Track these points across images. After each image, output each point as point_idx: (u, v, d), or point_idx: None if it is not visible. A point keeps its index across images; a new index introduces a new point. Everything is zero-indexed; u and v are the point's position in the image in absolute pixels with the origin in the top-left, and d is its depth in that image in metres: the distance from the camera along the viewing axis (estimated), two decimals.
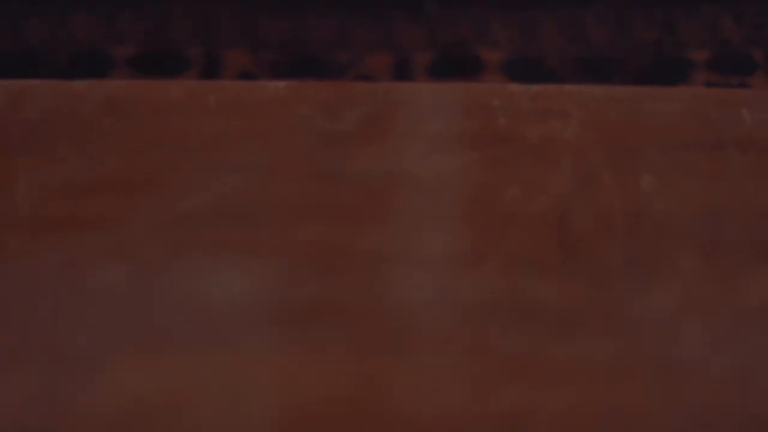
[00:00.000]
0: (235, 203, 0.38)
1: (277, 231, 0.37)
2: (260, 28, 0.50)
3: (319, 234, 0.36)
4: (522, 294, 0.33)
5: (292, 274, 0.34)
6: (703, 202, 0.39)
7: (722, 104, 0.47)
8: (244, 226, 0.37)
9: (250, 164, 0.41)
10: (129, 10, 0.50)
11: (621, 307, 0.33)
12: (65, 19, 0.50)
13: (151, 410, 0.28)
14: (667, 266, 0.35)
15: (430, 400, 0.29)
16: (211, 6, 0.49)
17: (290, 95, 0.46)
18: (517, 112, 0.45)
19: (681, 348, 0.31)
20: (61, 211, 0.38)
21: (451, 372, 0.30)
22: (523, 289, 0.33)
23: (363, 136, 0.43)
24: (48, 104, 0.46)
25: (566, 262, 0.35)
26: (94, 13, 0.49)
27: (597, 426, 0.27)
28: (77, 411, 0.28)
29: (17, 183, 0.40)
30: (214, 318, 0.32)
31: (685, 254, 0.36)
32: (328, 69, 0.52)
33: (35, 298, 0.33)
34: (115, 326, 0.32)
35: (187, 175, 0.40)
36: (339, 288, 0.33)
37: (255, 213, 0.38)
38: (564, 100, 0.46)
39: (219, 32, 0.50)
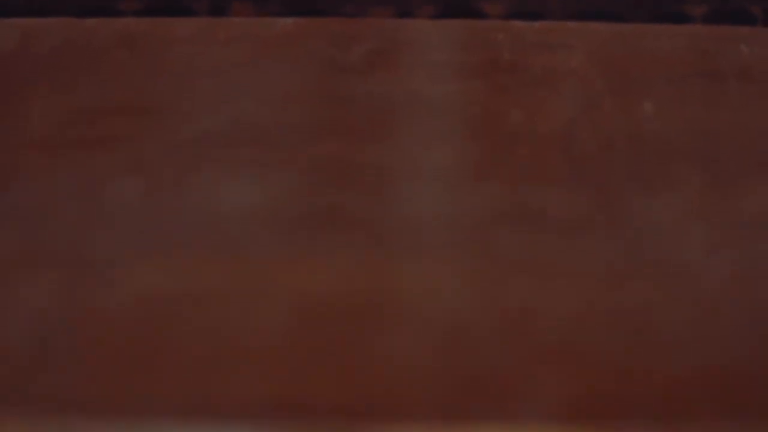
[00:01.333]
0: (246, 125, 0.39)
1: (288, 149, 0.37)
2: None
3: (330, 151, 0.37)
4: (528, 204, 0.34)
5: (304, 187, 0.35)
6: (703, 125, 0.40)
7: (721, 40, 0.47)
8: (255, 146, 0.37)
9: (259, 90, 0.41)
10: None
11: (623, 215, 0.33)
12: None
13: (166, 309, 0.28)
14: (668, 180, 0.35)
15: (439, 297, 0.29)
16: None
17: (298, 30, 0.47)
18: (522, 46, 0.46)
19: (681, 252, 0.31)
20: (76, 134, 0.39)
21: (460, 272, 0.30)
22: (529, 200, 0.34)
23: (370, 65, 0.43)
24: (61, 40, 0.46)
25: (571, 177, 0.35)
26: None
27: (601, 323, 0.28)
28: (95, 308, 0.28)
29: (33, 109, 0.41)
30: (228, 226, 0.32)
31: (684, 169, 0.36)
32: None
33: (54, 209, 0.34)
34: (132, 234, 0.32)
35: (197, 101, 0.41)
36: (350, 198, 0.34)
37: (266, 134, 0.38)
38: (568, 35, 0.47)
39: None
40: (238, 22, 0.48)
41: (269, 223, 0.33)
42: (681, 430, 0.24)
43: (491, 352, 0.26)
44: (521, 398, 0.24)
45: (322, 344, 0.26)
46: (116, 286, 0.29)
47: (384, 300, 0.29)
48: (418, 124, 0.39)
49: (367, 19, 0.49)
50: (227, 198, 0.34)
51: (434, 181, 0.35)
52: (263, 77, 0.43)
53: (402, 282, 0.29)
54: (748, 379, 0.25)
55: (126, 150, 0.37)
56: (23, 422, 0.24)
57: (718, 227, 0.33)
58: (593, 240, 0.32)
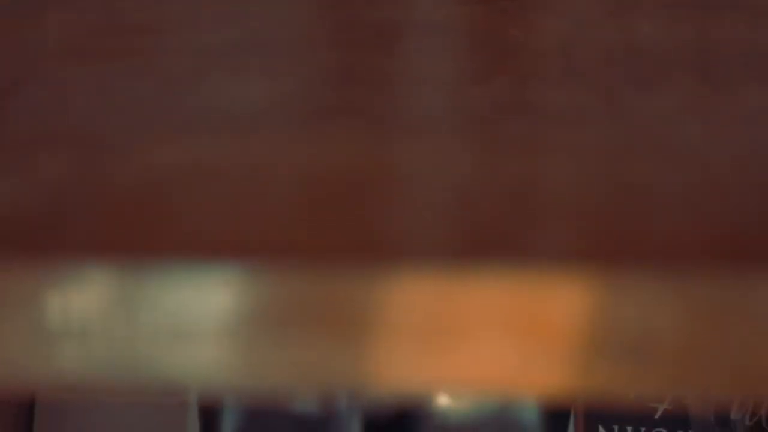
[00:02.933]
0: (255, 40, 0.39)
1: (296, 57, 0.38)
2: None
3: (337, 57, 0.38)
4: (529, 100, 0.34)
5: (311, 86, 0.35)
6: (698, 40, 0.40)
7: None
8: (264, 55, 0.38)
9: (266, 11, 0.42)
10: None
11: (622, 110, 0.34)
12: None
13: (177, 181, 0.29)
14: (666, 83, 0.36)
15: (444, 169, 0.30)
16: None
17: None
18: None
19: (681, 139, 0.32)
20: (92, 46, 0.39)
21: (463, 150, 0.31)
22: (529, 97, 0.35)
23: None
24: None
25: (570, 79, 0.36)
26: None
27: (601, 192, 0.28)
28: (110, 180, 0.29)
29: (46, 27, 0.41)
30: (238, 116, 0.33)
31: (682, 74, 0.37)
32: None
33: (73, 101, 0.34)
34: (147, 121, 0.33)
35: (206, 19, 0.41)
36: (357, 95, 0.35)
37: (274, 46, 0.39)
38: None
39: None
40: None
41: (278, 116, 0.33)
42: (680, 277, 0.24)
43: (495, 212, 0.26)
44: (525, 245, 0.25)
45: (330, 206, 0.27)
46: (131, 161, 0.30)
47: (390, 174, 0.29)
48: (422, 40, 0.40)
49: None
50: (237, 96, 0.35)
51: (438, 83, 0.36)
52: (270, 1, 0.43)
53: (406, 158, 0.30)
54: (741, 232, 0.26)
55: (139, 59, 0.38)
56: (40, 270, 0.24)
57: (715, 121, 0.33)
58: (593, 129, 0.32)
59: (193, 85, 0.35)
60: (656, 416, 0.69)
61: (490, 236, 0.25)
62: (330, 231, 0.25)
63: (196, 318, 0.24)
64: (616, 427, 0.68)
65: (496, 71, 0.37)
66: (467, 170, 0.29)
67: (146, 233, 0.25)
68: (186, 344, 0.24)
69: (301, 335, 0.23)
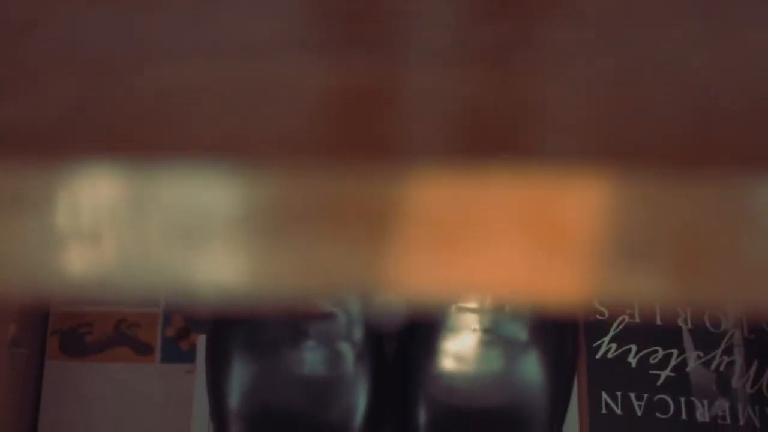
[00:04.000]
0: None
1: None
2: None
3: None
4: (536, 37, 0.34)
5: (317, 19, 0.35)
6: None
7: None
8: None
9: None
10: None
11: (628, 43, 0.34)
12: None
13: (186, 101, 0.29)
14: (670, 22, 0.36)
15: (451, 88, 0.29)
16: None
17: None
18: None
19: (685, 69, 0.32)
20: None
21: (469, 74, 0.31)
22: (536, 35, 0.35)
23: None
24: None
25: (576, 20, 0.36)
26: None
27: (609, 110, 0.28)
28: (119, 96, 0.29)
29: None
30: (248, 44, 0.33)
31: (682, 16, 0.37)
32: None
33: (83, 39, 0.34)
34: (156, 47, 0.33)
35: None
36: (363, 28, 0.34)
37: None
38: None
39: None
40: None
41: (289, 45, 0.33)
42: (688, 181, 0.24)
43: (505, 118, 0.26)
44: (537, 147, 0.25)
45: (342, 116, 0.27)
46: (141, 80, 0.30)
47: (400, 92, 0.29)
48: None
49: None
50: (247, 29, 0.35)
51: (445, 22, 0.36)
52: None
53: (416, 80, 0.30)
54: (745, 144, 0.26)
55: (148, 1, 0.38)
56: (51, 173, 0.24)
57: (720, 58, 0.33)
58: (599, 61, 0.32)
59: (203, 22, 0.35)
60: (658, 383, 0.69)
61: (501, 138, 0.24)
62: (342, 135, 0.25)
63: (207, 219, 0.23)
64: (618, 394, 0.68)
65: (502, 11, 0.37)
66: (476, 90, 0.29)
67: (157, 137, 0.25)
68: (197, 246, 0.24)
69: (313, 236, 0.23)
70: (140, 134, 0.25)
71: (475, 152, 0.24)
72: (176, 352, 0.75)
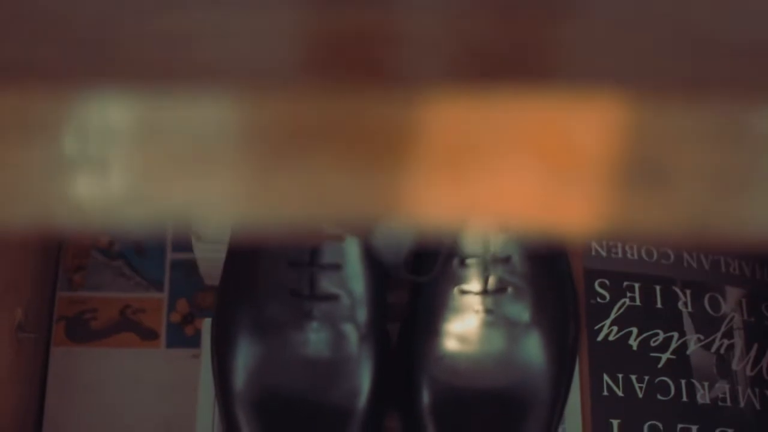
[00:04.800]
0: None
1: None
2: None
3: None
4: None
5: None
6: None
7: None
8: None
9: None
10: None
11: None
12: None
13: (187, 40, 0.28)
14: None
15: (458, 22, 0.29)
16: None
17: None
18: None
19: (691, 12, 0.32)
20: None
21: (476, 10, 0.30)
22: None
23: None
24: None
25: None
26: None
27: (628, 37, 0.28)
28: (125, 41, 0.28)
29: None
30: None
31: None
32: None
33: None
34: (151, 5, 0.33)
35: None
36: None
37: None
38: None
39: None
40: None
41: None
42: (703, 106, 0.24)
43: (519, 43, 0.26)
44: (552, 69, 0.24)
45: (347, 47, 0.26)
46: (149, 25, 0.29)
47: (405, 29, 0.28)
48: None
49: None
50: None
51: None
52: None
53: (420, 18, 0.29)
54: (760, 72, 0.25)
55: None
56: (58, 100, 0.24)
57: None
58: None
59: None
60: (659, 365, 0.69)
61: (511, 62, 0.24)
62: (348, 61, 0.24)
63: (212, 145, 0.23)
64: (620, 376, 0.68)
65: None
66: (487, 16, 0.28)
67: (161, 66, 0.24)
68: (203, 172, 0.23)
69: (320, 161, 0.23)
70: (146, 63, 0.25)
71: (484, 76, 0.23)
72: (181, 337, 0.75)
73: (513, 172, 0.23)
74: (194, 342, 0.74)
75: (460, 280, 0.63)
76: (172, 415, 0.72)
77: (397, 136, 0.23)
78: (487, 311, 0.63)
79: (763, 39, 0.27)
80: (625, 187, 0.23)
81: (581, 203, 0.24)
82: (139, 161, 0.23)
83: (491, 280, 0.63)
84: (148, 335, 0.74)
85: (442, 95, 0.23)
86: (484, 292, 0.63)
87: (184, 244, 0.76)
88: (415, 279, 0.64)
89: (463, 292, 0.63)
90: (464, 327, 0.64)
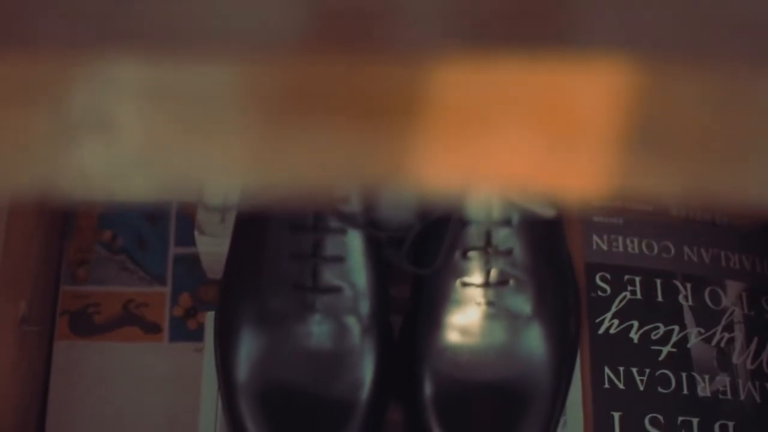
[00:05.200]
0: None
1: None
2: None
3: None
4: None
5: None
6: None
7: None
8: None
9: None
10: None
11: None
12: None
13: (181, 8, 0.28)
14: None
15: None
16: None
17: None
18: None
19: None
20: None
21: None
22: None
23: None
24: None
25: None
26: None
27: (620, 10, 0.28)
28: (126, 22, 0.28)
29: None
30: None
31: None
32: None
33: None
34: None
35: None
36: None
37: None
38: None
39: None
40: None
41: None
42: (703, 71, 0.24)
43: (518, 12, 0.26)
44: (552, 33, 0.24)
45: (345, 15, 0.26)
46: None
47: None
48: None
49: None
50: None
51: None
52: None
53: None
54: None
55: None
56: (64, 64, 0.24)
57: None
58: None
59: None
60: (660, 358, 0.69)
61: (515, 25, 0.24)
62: (352, 24, 0.24)
63: (218, 110, 0.23)
64: (621, 369, 0.68)
65: None
66: None
67: (167, 29, 0.24)
68: (208, 137, 0.23)
69: (324, 126, 0.23)
70: (152, 27, 0.25)
71: (488, 40, 0.23)
72: (184, 331, 0.74)
73: (516, 137, 0.23)
74: (197, 336, 0.74)
75: (462, 272, 0.63)
76: (175, 408, 0.72)
77: (402, 101, 0.23)
78: (489, 303, 0.63)
79: None
80: (629, 153, 0.23)
81: (584, 168, 0.23)
82: (144, 126, 0.23)
83: (493, 273, 0.63)
84: (151, 329, 0.74)
85: (447, 60, 0.23)
86: (486, 285, 0.63)
87: (186, 239, 0.76)
88: (417, 271, 0.64)
89: (465, 285, 0.63)
90: (466, 319, 0.64)
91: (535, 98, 0.23)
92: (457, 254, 0.63)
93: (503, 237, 0.63)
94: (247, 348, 0.63)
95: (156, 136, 0.23)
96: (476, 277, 0.63)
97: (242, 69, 0.23)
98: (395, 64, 0.23)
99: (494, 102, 0.23)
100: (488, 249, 0.63)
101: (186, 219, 0.77)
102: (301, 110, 0.23)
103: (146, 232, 0.77)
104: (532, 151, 0.23)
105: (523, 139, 0.23)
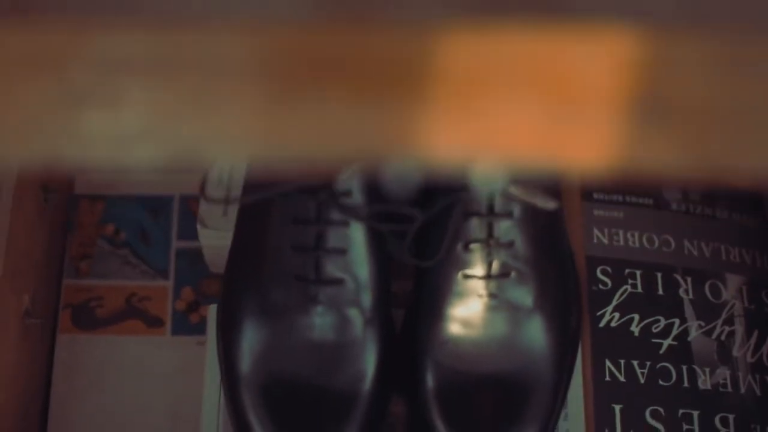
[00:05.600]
0: None
1: None
2: None
3: None
4: None
5: None
6: None
7: None
8: None
9: None
10: None
11: None
12: None
13: None
14: None
15: None
16: None
17: None
18: None
19: None
20: None
21: None
22: None
23: None
24: None
25: None
26: None
27: None
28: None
29: None
30: None
31: None
32: None
33: None
34: None
35: None
36: None
37: None
38: None
39: None
40: None
41: None
42: (704, 39, 0.23)
43: None
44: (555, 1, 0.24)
45: None
46: None
47: None
48: None
49: None
50: None
51: None
52: None
53: None
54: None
55: None
56: (71, 33, 0.23)
57: None
58: None
59: None
60: (661, 351, 0.68)
61: None
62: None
63: (223, 80, 0.23)
64: (622, 362, 0.68)
65: None
66: None
67: (172, 0, 0.24)
68: (214, 106, 0.23)
69: (328, 96, 0.23)
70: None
71: (493, 10, 0.23)
72: (186, 325, 0.74)
73: (520, 107, 0.23)
74: (199, 329, 0.74)
75: (464, 264, 0.63)
76: (177, 401, 0.72)
77: (407, 71, 0.23)
78: (491, 295, 0.63)
79: None
80: (632, 122, 0.23)
81: (588, 138, 0.23)
82: (150, 96, 0.23)
83: (495, 265, 0.63)
84: (154, 323, 0.74)
85: (451, 30, 0.23)
86: (488, 277, 0.63)
87: (189, 233, 0.76)
88: (419, 263, 0.64)
89: (467, 277, 0.63)
90: (468, 311, 0.64)
91: (539, 68, 0.23)
92: (459, 246, 0.63)
93: (505, 229, 0.63)
94: (250, 340, 0.63)
95: (161, 105, 0.23)
96: (478, 269, 0.63)
97: (248, 40, 0.23)
98: (399, 35, 0.23)
99: (498, 72, 0.23)
100: (490, 241, 0.63)
101: (188, 213, 0.77)
102: (305, 81, 0.23)
103: (149, 226, 0.77)
104: (536, 121, 0.23)
105: (526, 109, 0.23)
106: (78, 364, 0.73)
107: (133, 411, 0.72)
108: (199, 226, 0.69)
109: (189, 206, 0.77)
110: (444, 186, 0.63)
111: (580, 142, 0.23)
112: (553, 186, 0.65)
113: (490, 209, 0.62)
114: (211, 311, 0.66)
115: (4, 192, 0.65)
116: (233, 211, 0.69)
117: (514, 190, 0.62)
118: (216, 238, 0.70)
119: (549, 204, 0.62)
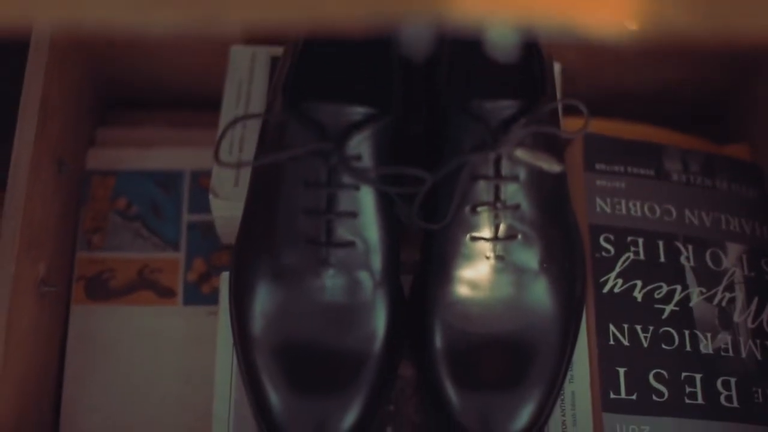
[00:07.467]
0: None
1: None
2: None
3: None
4: None
5: None
6: None
7: None
8: None
9: None
10: None
11: None
12: None
13: None
14: None
15: None
16: None
17: None
18: None
19: None
20: None
21: None
22: None
23: None
24: None
25: None
26: None
27: None
28: None
29: None
30: None
31: None
32: None
33: None
34: None
35: None
36: None
37: None
38: None
39: None
40: None
41: None
42: None
43: None
44: None
45: None
46: None
47: None
48: None
49: None
50: None
51: None
52: None
53: None
54: None
55: None
56: None
57: None
58: None
59: None
60: (663, 317, 0.68)
61: None
62: None
63: None
64: (625, 326, 0.68)
65: None
66: None
67: None
68: None
69: None
70: None
71: None
72: (198, 296, 0.74)
73: None
74: (210, 300, 0.73)
75: (471, 227, 0.63)
76: (190, 369, 0.71)
77: None
78: (498, 258, 0.63)
79: None
80: None
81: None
82: None
83: (502, 227, 0.63)
84: (166, 293, 0.74)
85: None
86: (495, 239, 0.63)
87: (200, 206, 0.76)
88: (427, 226, 0.63)
89: (475, 239, 0.63)
90: (475, 273, 0.63)
91: None
92: (467, 209, 0.63)
93: (511, 192, 0.62)
94: (262, 303, 0.62)
95: None
96: (485, 232, 0.63)
97: None
98: None
99: None
100: (497, 204, 0.62)
101: (199, 188, 0.77)
102: None
103: (160, 199, 0.77)
104: None
105: None
106: (91, 334, 0.73)
107: (145, 378, 0.71)
108: (211, 196, 0.69)
109: (199, 182, 0.77)
110: (449, 169, 0.62)
111: (604, 3, 0.23)
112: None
113: (497, 172, 0.62)
114: (223, 278, 0.66)
115: (22, 162, 0.65)
116: (244, 180, 0.69)
117: (520, 153, 0.62)
118: (228, 209, 0.69)
119: (554, 167, 0.62)
